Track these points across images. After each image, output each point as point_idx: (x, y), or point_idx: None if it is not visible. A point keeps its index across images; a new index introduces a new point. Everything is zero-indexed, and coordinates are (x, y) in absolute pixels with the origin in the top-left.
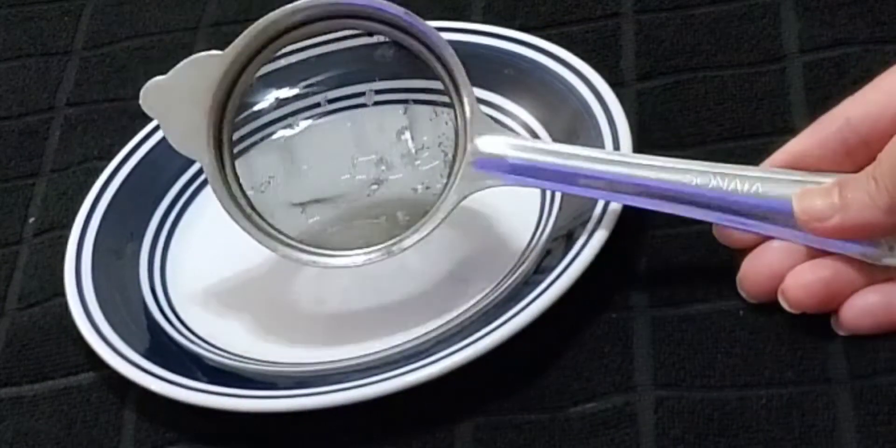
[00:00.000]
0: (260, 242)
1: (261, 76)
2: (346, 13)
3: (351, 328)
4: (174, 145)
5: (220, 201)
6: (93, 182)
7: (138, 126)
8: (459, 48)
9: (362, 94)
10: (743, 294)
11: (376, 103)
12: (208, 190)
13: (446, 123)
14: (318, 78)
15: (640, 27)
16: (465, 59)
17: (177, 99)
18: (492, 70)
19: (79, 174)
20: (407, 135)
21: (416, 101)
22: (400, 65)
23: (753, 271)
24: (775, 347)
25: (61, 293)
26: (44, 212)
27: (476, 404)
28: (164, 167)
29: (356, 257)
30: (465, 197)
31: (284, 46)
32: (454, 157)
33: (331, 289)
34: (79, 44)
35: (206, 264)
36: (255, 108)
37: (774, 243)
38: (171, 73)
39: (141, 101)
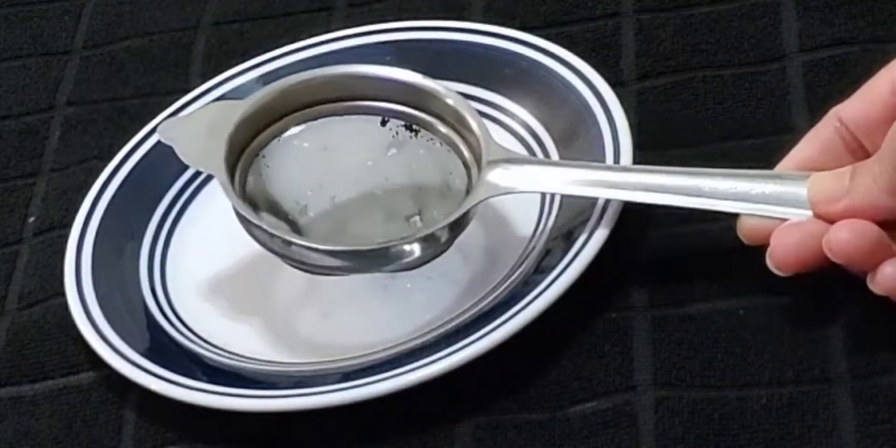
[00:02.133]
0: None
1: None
2: (355, 96)
3: (351, 328)
4: (189, 163)
5: (235, 204)
6: (93, 181)
7: (138, 126)
8: (460, 48)
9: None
10: (772, 268)
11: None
12: (208, 190)
13: (458, 189)
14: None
15: (640, 27)
16: (465, 59)
17: (193, 131)
18: (492, 70)
19: (79, 174)
20: (416, 218)
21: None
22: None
23: (783, 243)
24: (775, 347)
25: (61, 293)
26: (44, 211)
27: (476, 404)
28: (164, 167)
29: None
30: (479, 202)
31: (304, 119)
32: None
33: (331, 289)
34: (79, 43)
35: (206, 264)
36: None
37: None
38: (186, 112)
39: (158, 132)
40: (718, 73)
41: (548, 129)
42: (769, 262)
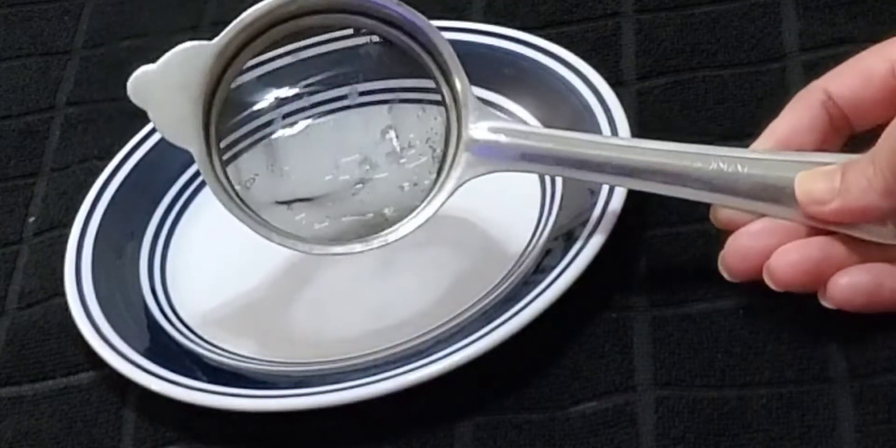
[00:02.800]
0: (255, 231)
1: (250, 74)
2: (336, 7)
3: (351, 328)
4: (163, 134)
5: (214, 191)
6: (93, 181)
7: (138, 126)
8: (459, 48)
9: (345, 96)
10: (724, 273)
11: (360, 105)
12: (208, 190)
13: (435, 118)
14: (302, 81)
15: (640, 27)
16: (465, 59)
17: (165, 88)
18: (492, 70)
19: (79, 173)
20: (391, 133)
21: (403, 100)
22: (387, 63)
23: (736, 250)
24: (775, 347)
25: (61, 292)
26: (44, 211)
27: (476, 404)
28: (164, 167)
29: (354, 245)
30: (462, 183)
31: (274, 39)
32: (447, 145)
33: (331, 289)
34: (79, 43)
35: (206, 264)
36: (242, 110)
37: (758, 223)
38: (159, 62)
39: (129, 91)
40: (718, 73)
41: (548, 128)
42: (720, 265)
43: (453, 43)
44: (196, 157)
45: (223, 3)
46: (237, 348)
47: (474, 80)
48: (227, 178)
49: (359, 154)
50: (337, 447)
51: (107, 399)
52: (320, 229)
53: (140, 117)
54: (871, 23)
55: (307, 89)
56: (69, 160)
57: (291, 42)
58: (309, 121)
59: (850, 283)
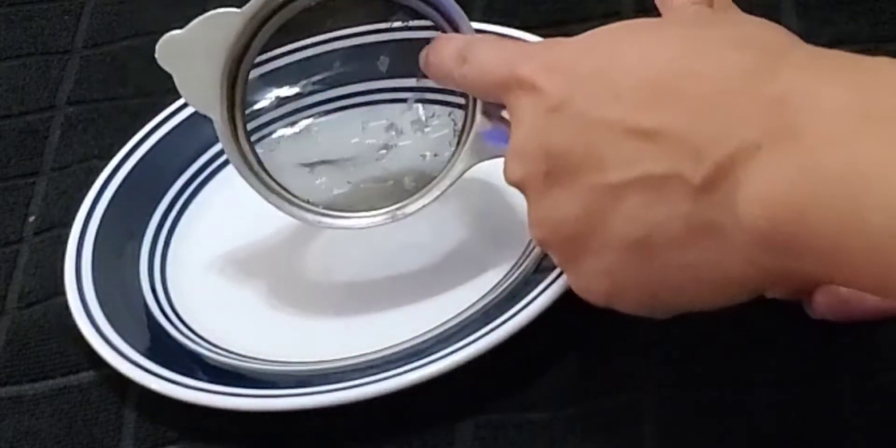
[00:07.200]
0: (266, 199)
1: (264, 73)
2: None
3: (351, 328)
4: (186, 99)
5: (230, 157)
6: (93, 181)
7: (138, 125)
8: None
9: (368, 92)
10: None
11: (382, 102)
12: (209, 189)
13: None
14: (327, 73)
15: None
16: None
17: (192, 54)
18: None
19: (79, 173)
20: (418, 103)
21: (423, 100)
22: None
23: None
24: (776, 347)
25: (62, 292)
26: (44, 210)
27: (476, 404)
28: (164, 166)
29: (359, 220)
30: (470, 166)
31: (302, 8)
32: (463, 126)
33: (331, 289)
34: (79, 43)
35: (207, 263)
36: (258, 105)
37: None
38: (187, 27)
39: (157, 55)
40: None
41: None
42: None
43: None
44: (216, 124)
45: (223, 2)
46: (237, 348)
47: None
48: (249, 143)
49: (386, 120)
50: (337, 447)
51: (107, 399)
52: (338, 195)
53: (140, 116)
54: (871, 23)
55: (329, 83)
56: (69, 160)
57: (320, 13)
58: (332, 116)
59: (833, 293)
